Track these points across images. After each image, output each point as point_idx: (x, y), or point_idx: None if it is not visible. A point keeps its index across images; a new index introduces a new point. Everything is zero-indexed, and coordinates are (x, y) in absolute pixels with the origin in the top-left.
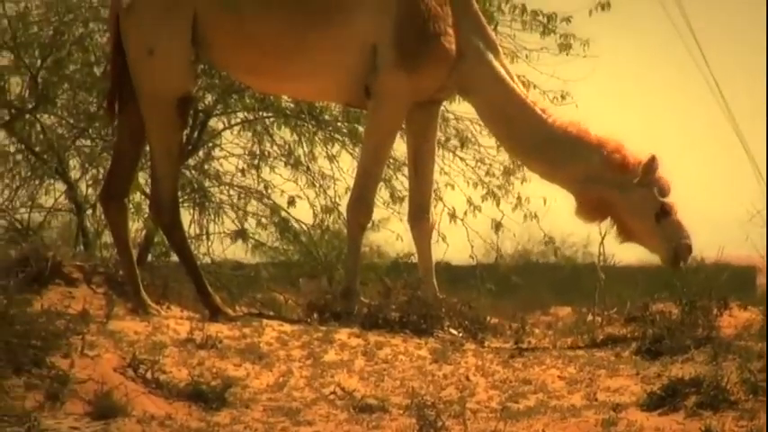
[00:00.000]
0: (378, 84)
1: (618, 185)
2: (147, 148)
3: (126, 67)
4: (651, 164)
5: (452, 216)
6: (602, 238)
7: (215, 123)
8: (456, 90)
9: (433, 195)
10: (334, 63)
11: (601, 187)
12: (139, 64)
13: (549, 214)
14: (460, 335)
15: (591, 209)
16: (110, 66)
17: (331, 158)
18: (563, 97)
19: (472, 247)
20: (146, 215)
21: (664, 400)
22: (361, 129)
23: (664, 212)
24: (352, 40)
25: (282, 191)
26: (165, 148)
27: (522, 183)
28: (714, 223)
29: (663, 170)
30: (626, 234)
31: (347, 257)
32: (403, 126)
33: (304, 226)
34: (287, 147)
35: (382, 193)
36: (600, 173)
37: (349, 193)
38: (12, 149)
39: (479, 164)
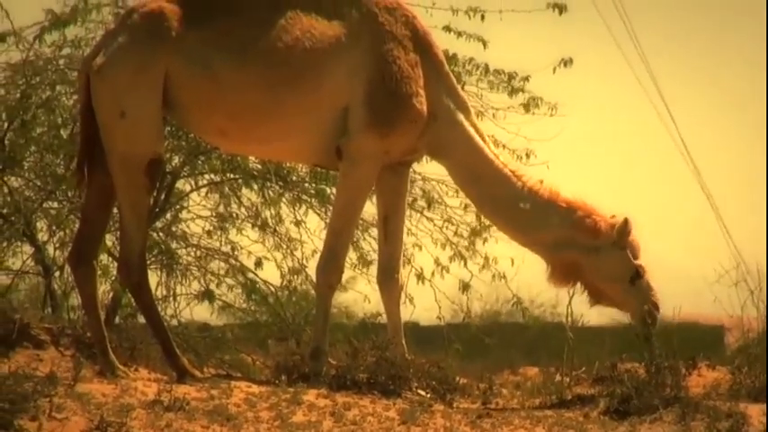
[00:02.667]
0: (349, 145)
1: (591, 250)
2: (115, 210)
3: (96, 128)
4: (626, 227)
5: (420, 277)
6: (570, 299)
7: (182, 185)
8: (427, 152)
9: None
10: (306, 124)
11: (573, 252)
12: (111, 126)
13: (518, 275)
14: (429, 396)
15: (563, 274)
16: (79, 127)
17: (298, 222)
18: (528, 156)
19: (440, 307)
20: (113, 277)
21: None
22: (328, 190)
23: (638, 274)
24: (324, 102)
25: (250, 252)
26: (135, 209)
27: (484, 243)
28: (682, 282)
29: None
30: (598, 297)
31: (316, 318)
32: (373, 188)
33: (271, 287)
34: (254, 208)
35: (350, 255)
36: (571, 238)
37: (318, 255)
38: None
39: (447, 224)
